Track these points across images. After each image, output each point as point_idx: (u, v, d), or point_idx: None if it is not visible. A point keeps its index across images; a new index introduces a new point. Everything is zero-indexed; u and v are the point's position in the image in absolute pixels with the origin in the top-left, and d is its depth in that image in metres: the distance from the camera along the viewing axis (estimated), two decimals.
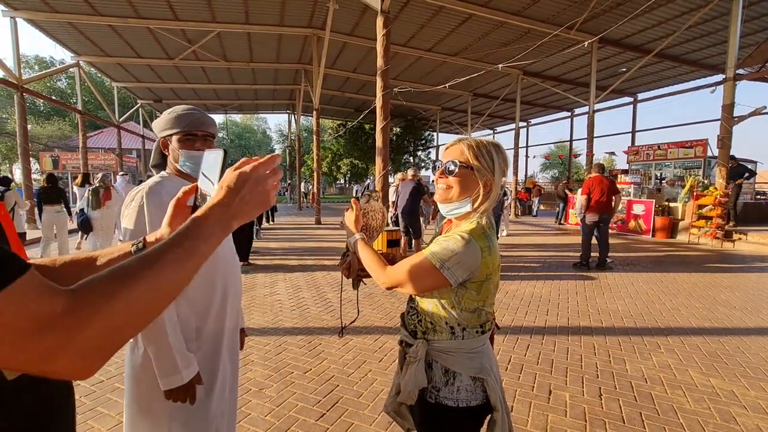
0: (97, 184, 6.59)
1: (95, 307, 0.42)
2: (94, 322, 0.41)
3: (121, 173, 9.20)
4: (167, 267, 0.49)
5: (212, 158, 0.71)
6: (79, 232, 7.11)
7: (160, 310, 0.49)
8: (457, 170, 1.10)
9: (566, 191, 13.55)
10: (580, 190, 6.85)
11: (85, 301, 0.42)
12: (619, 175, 13.77)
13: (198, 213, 0.57)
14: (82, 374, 0.42)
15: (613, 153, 19.87)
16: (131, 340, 1.24)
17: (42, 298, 0.40)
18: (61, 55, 53.74)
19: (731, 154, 9.04)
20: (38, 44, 78.51)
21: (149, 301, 0.47)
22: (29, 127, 14.31)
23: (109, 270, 0.46)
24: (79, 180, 8.24)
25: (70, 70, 13.91)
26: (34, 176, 12.38)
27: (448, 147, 1.17)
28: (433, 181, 1.22)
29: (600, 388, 2.65)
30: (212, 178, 0.69)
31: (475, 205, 1.11)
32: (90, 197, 6.47)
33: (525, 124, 23.87)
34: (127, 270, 0.46)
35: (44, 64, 31.84)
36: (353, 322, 1.75)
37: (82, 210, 6.54)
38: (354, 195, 25.79)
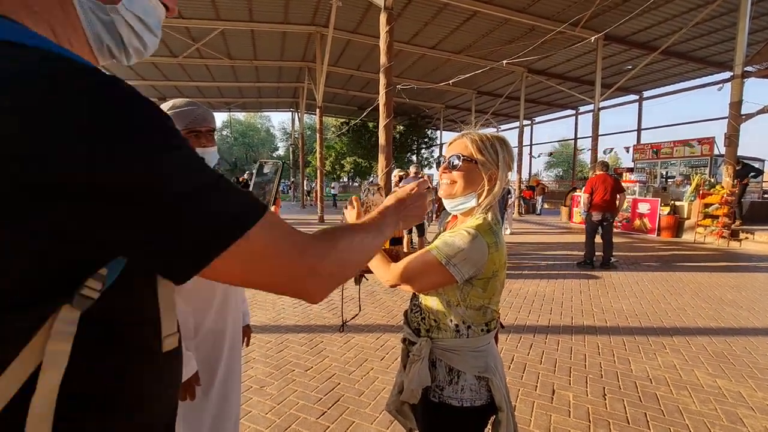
0: None
1: (331, 244, 0.54)
2: (332, 255, 0.53)
3: None
4: (368, 234, 0.64)
5: (268, 168, 0.75)
6: None
7: (362, 263, 0.63)
8: (460, 164, 1.09)
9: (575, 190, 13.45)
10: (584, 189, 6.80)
11: (324, 239, 0.54)
12: (624, 174, 13.66)
13: (381, 209, 0.76)
14: (318, 296, 0.53)
15: (612, 149, 19.64)
16: None
17: (295, 230, 0.51)
18: None
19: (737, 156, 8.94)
20: None
21: (356, 253, 0.60)
22: None
23: (336, 226, 0.61)
24: None
25: None
26: None
27: (451, 142, 1.16)
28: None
29: (604, 388, 2.63)
30: (268, 188, 0.74)
31: (480, 199, 1.09)
32: None
33: (529, 122, 23.74)
34: (346, 228, 0.61)
35: None
36: (354, 317, 1.73)
37: None
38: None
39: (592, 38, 9.87)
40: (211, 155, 1.34)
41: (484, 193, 1.09)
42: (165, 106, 1.30)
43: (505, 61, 11.29)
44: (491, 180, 1.08)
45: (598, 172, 6.57)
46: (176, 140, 0.40)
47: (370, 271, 1.22)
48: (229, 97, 20.54)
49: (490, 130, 1.25)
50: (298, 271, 0.49)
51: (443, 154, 1.18)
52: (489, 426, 1.12)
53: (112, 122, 0.36)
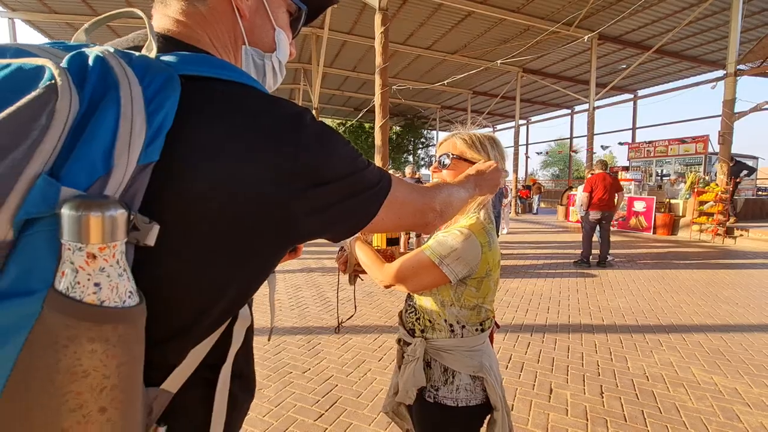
0: None
1: (436, 190, 0.73)
2: (439, 197, 0.71)
3: None
4: (457, 188, 0.81)
5: None
6: None
7: (456, 207, 0.79)
8: (450, 163, 1.09)
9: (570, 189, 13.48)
10: (581, 188, 6.82)
11: (429, 188, 0.73)
12: (620, 173, 13.72)
13: (464, 175, 0.92)
14: (434, 227, 0.71)
15: (607, 147, 19.84)
16: None
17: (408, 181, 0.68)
18: None
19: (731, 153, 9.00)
20: None
21: (452, 198, 0.77)
22: None
23: (432, 183, 0.85)
24: None
25: None
26: None
27: (441, 142, 1.16)
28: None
29: (601, 386, 2.63)
30: None
31: None
32: None
33: (525, 122, 23.83)
34: (441, 184, 0.79)
35: None
36: (350, 318, 1.72)
37: None
38: None
39: (586, 37, 9.92)
40: None
41: None
42: None
43: (499, 61, 11.34)
44: None
45: (596, 171, 6.59)
46: (346, 140, 0.55)
47: (365, 272, 1.22)
48: None
49: (485, 131, 1.25)
50: (425, 209, 0.67)
51: (435, 154, 1.19)
52: (485, 425, 1.12)
53: (331, 140, 0.52)
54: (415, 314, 1.14)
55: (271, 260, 0.55)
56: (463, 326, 1.07)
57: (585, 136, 12.29)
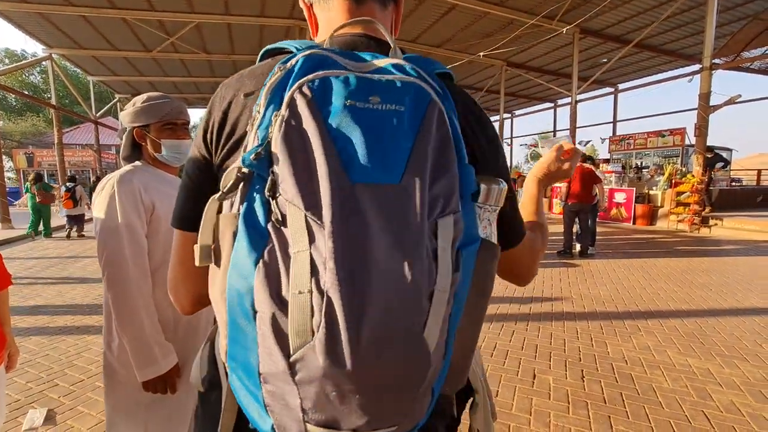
0: None
1: None
2: None
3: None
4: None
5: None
6: None
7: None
8: None
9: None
10: None
11: None
12: (600, 165, 14.00)
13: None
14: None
15: (589, 141, 20.20)
16: (105, 334, 1.20)
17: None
18: (34, 48, 51.52)
19: (708, 145, 9.28)
20: (12, 37, 75.26)
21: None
22: (0, 123, 13.74)
23: None
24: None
25: (43, 63, 13.35)
26: (7, 174, 11.76)
27: None
28: None
29: (582, 370, 2.72)
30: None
31: None
32: None
33: (509, 115, 24.05)
34: None
35: (15, 58, 30.55)
36: None
37: None
38: None
39: (564, 30, 10.03)
40: (186, 148, 1.33)
41: None
42: (139, 99, 1.28)
43: (482, 53, 11.38)
44: None
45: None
46: None
47: None
48: (206, 92, 20.02)
49: None
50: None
51: None
52: (467, 409, 1.15)
53: None
54: None
55: None
56: None
57: (568, 129, 12.48)
